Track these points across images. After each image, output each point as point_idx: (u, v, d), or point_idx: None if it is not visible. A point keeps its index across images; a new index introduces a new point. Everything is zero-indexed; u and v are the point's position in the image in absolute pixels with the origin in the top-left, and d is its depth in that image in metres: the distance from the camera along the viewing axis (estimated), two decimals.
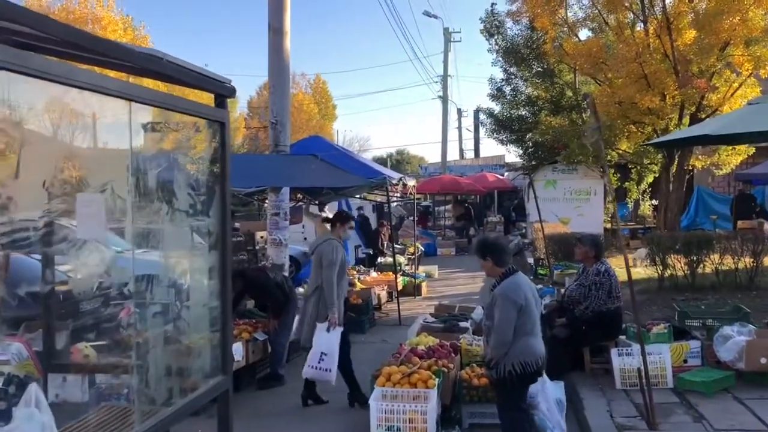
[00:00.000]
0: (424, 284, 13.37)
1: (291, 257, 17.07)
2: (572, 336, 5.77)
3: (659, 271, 11.27)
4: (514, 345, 4.37)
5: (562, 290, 7.62)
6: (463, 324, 7.55)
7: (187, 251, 4.38)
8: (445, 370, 5.60)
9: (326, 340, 5.93)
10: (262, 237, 9.78)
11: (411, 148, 67.20)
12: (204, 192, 4.65)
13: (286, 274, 9.58)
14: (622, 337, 6.12)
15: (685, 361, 5.70)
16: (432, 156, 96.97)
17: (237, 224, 11.26)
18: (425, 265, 15.94)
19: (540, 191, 22.36)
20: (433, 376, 5.17)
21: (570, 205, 21.06)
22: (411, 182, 12.31)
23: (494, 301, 4.42)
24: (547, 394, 5.03)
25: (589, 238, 6.20)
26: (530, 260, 16.06)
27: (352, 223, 6.45)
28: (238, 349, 6.65)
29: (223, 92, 3.99)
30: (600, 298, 5.76)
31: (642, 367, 4.57)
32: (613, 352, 5.64)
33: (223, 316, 4.68)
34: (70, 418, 4.13)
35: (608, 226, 21.81)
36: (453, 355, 6.17)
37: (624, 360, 5.48)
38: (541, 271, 12.72)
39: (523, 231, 24.28)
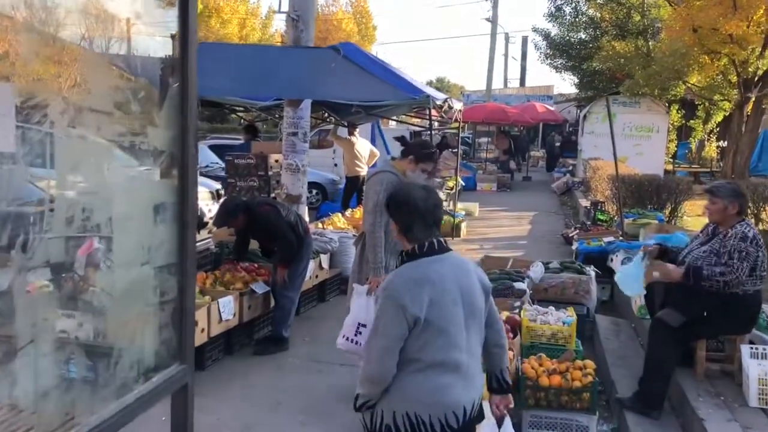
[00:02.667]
0: (463, 224, 11.73)
1: (318, 184, 15.60)
2: (688, 323, 4.07)
3: None
4: (401, 384, 2.43)
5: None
6: (519, 286, 5.91)
7: (110, 179, 2.74)
8: None
9: (365, 308, 4.32)
10: (276, 161, 8.17)
11: (452, 77, 64.35)
12: (146, 87, 2.98)
13: (304, 205, 7.99)
14: None
15: None
16: (473, 86, 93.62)
17: (246, 139, 9.55)
18: (464, 202, 14.24)
19: (596, 125, 20.29)
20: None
21: (629, 142, 18.91)
22: (458, 105, 10.43)
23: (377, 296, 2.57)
24: None
25: (728, 189, 4.28)
26: (583, 202, 14.29)
27: (430, 165, 4.49)
28: (228, 305, 5.16)
29: None
30: (744, 272, 4.04)
31: None
32: (745, 350, 3.96)
33: (182, 279, 3.03)
34: None
35: (669, 167, 19.76)
36: (510, 334, 4.56)
37: (762, 365, 3.82)
38: (600, 217, 10.91)
39: (571, 168, 22.29)
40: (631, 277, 4.49)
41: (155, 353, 3.01)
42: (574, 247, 8.46)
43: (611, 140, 8.71)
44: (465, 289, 2.45)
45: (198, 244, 6.27)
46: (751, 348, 4.01)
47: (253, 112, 9.64)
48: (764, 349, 3.99)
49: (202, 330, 4.82)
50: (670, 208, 9.79)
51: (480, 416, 2.56)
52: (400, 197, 2.60)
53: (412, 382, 2.41)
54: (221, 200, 6.09)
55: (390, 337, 2.39)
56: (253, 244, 6.15)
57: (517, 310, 5.25)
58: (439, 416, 2.37)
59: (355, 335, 4.33)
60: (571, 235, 9.73)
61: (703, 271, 4.10)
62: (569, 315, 4.91)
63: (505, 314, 5.00)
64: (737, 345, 4.14)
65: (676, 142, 21.57)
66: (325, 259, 6.83)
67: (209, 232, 7.11)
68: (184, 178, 3.07)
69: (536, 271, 6.34)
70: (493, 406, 2.63)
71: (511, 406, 2.69)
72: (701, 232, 4.54)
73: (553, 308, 5.14)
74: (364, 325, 4.32)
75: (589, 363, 4.13)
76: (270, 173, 8.18)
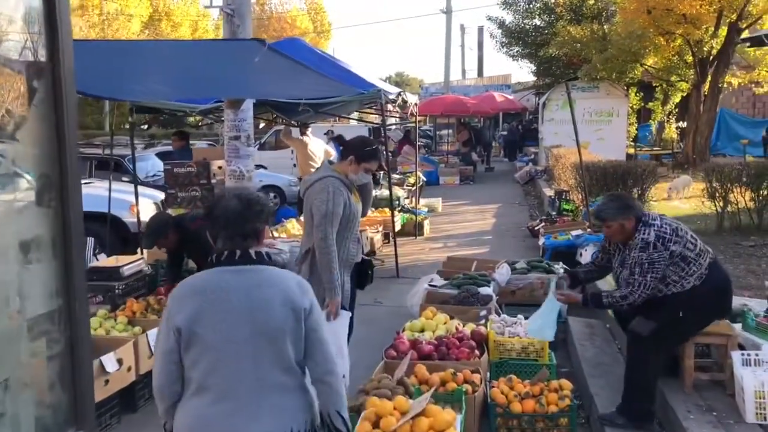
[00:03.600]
0: (426, 222, 11.26)
1: (276, 187, 14.99)
2: (664, 329, 3.63)
3: (718, 208, 9.15)
4: (182, 408, 2.20)
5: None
6: (484, 291, 5.45)
7: None
8: (469, 389, 3.52)
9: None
10: (220, 168, 7.57)
11: (410, 71, 64.03)
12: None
13: None
14: (737, 327, 3.99)
15: None
16: (432, 78, 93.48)
17: (177, 146, 8.87)
18: (426, 198, 13.79)
19: (556, 112, 20.03)
20: (454, 414, 3.09)
21: (589, 127, 18.68)
22: (412, 98, 9.96)
23: None
24: None
25: (614, 207, 3.73)
26: (548, 192, 13.97)
27: (374, 164, 4.00)
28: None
29: None
30: (647, 285, 3.57)
31: None
32: (736, 357, 3.55)
33: (72, 328, 2.49)
34: None
35: (631, 151, 19.60)
36: (477, 352, 4.09)
37: (757, 375, 3.40)
38: (565, 207, 10.56)
39: (533, 157, 22.05)
40: (545, 325, 3.94)
41: (38, 422, 2.48)
42: (540, 242, 8.05)
43: (573, 127, 8.33)
44: (257, 305, 2.15)
45: (131, 265, 5.67)
46: (743, 354, 3.60)
47: (194, 116, 9.00)
48: (757, 355, 3.58)
49: (129, 368, 4.24)
50: (636, 195, 9.47)
51: None
52: (209, 207, 2.39)
53: (188, 408, 2.17)
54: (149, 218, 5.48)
55: (160, 350, 2.21)
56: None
57: (482, 321, 4.79)
58: None
59: None
60: (536, 228, 9.34)
61: (603, 299, 3.74)
62: None
63: (470, 327, 4.53)
64: (727, 351, 3.73)
65: (636, 125, 21.48)
66: None
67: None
68: (66, 205, 2.51)
69: (502, 273, 5.90)
70: None
71: None
72: (609, 245, 4.01)
73: (522, 317, 4.69)
74: None
75: (566, 383, 3.68)
76: (213, 181, 7.58)
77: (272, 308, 2.15)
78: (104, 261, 5.69)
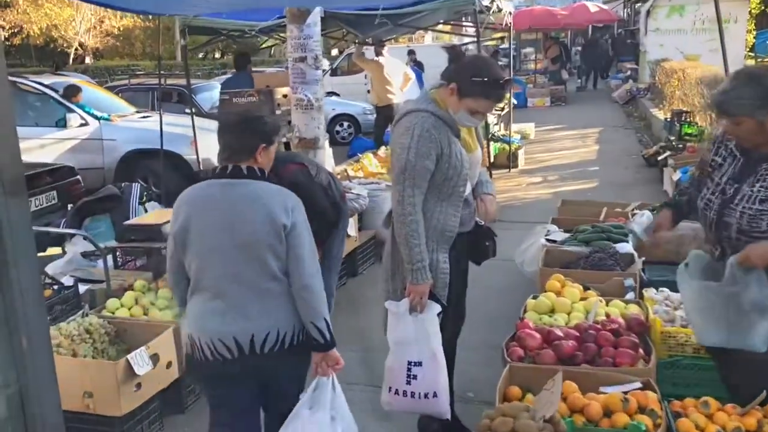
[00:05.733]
0: (520, 151, 9.88)
1: (350, 116, 13.82)
2: None
3: None
4: (188, 303, 2.41)
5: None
6: (623, 249, 4.18)
7: None
8: (648, 424, 2.33)
9: (412, 335, 2.72)
10: (285, 96, 6.46)
11: None
12: None
13: (323, 150, 6.26)
14: None
15: None
16: None
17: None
18: (517, 123, 12.30)
19: (662, 21, 17.76)
20: None
21: (700, 37, 16.45)
22: (507, 6, 8.40)
23: None
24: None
25: (749, 95, 2.34)
26: (657, 113, 12.21)
27: (485, 105, 2.69)
28: None
29: None
30: None
31: None
32: None
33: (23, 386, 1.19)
34: None
35: (749, 63, 17.17)
36: (641, 352, 2.87)
37: None
38: (688, 130, 8.94)
39: (630, 73, 19.85)
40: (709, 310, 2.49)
41: None
42: (674, 176, 6.57)
43: (719, 30, 6.67)
44: (238, 217, 2.29)
45: None
46: None
47: (254, 36, 7.82)
48: None
49: (169, 364, 3.28)
50: None
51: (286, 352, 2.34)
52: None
53: (191, 302, 2.39)
54: None
55: (168, 252, 2.42)
56: None
57: (630, 295, 3.55)
58: (207, 342, 2.30)
59: (408, 383, 2.73)
60: (660, 157, 7.83)
61: None
62: None
63: (617, 308, 3.31)
64: None
65: (753, 32, 18.86)
66: (351, 223, 5.19)
67: None
68: None
69: (642, 222, 4.58)
70: (313, 365, 2.41)
71: (339, 366, 2.40)
72: (715, 153, 2.62)
73: None
74: (418, 363, 2.71)
75: None
76: (278, 112, 6.48)
77: (252, 221, 2.27)
78: (147, 216, 4.74)
